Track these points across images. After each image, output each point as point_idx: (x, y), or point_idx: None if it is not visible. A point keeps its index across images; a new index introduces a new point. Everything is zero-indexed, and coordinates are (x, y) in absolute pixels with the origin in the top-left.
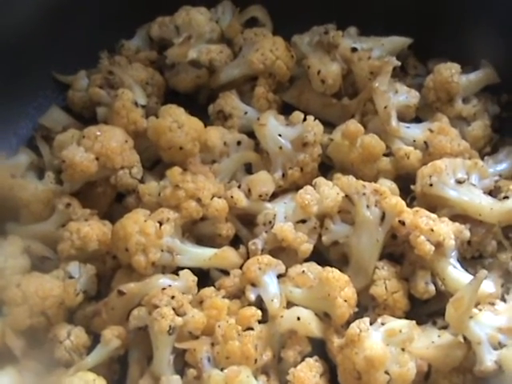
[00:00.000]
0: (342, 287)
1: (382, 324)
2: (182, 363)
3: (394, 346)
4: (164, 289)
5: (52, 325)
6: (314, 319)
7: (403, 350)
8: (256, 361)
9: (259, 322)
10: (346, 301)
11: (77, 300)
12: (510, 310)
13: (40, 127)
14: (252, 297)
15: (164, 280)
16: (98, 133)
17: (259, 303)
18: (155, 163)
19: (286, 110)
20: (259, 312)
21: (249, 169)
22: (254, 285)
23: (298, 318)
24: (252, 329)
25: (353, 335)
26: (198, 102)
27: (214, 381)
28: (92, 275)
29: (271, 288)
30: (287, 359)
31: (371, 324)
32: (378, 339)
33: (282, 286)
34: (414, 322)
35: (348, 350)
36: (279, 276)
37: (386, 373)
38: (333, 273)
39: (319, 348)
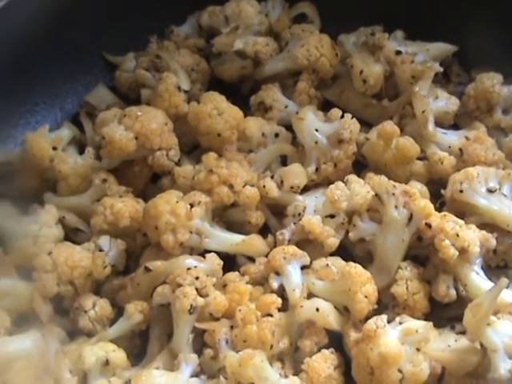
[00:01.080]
0: (363, 283)
1: (400, 323)
2: (200, 343)
3: (409, 346)
4: (189, 269)
5: (78, 294)
6: (333, 312)
7: (418, 350)
8: (272, 347)
9: (279, 310)
10: (366, 297)
11: (104, 272)
12: None
13: (85, 104)
14: (275, 285)
15: (190, 261)
16: (139, 113)
17: (281, 292)
18: (193, 148)
19: (325, 106)
20: (280, 300)
21: (284, 161)
22: (277, 273)
23: (317, 309)
24: (271, 315)
25: (369, 331)
26: (241, 92)
27: (228, 361)
28: (121, 250)
29: (294, 278)
30: (303, 349)
31: (389, 322)
32: (394, 337)
33: (304, 277)
34: (431, 323)
35: (363, 345)
36: (303, 267)
37: (399, 371)
38: (355, 268)
39: (336, 341)
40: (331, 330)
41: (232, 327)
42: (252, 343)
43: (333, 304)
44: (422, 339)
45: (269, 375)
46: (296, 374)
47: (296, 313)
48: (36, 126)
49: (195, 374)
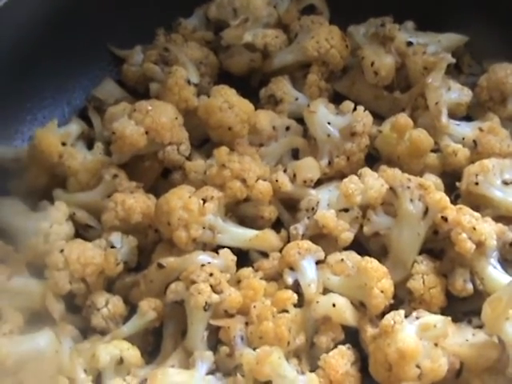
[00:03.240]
0: (379, 278)
1: (417, 318)
2: (215, 340)
3: (426, 341)
4: (203, 265)
5: (91, 292)
6: (349, 307)
7: (436, 345)
8: (289, 343)
9: (295, 306)
10: (382, 292)
11: (117, 269)
12: None
13: (93, 98)
14: (289, 280)
15: (203, 257)
16: (149, 107)
17: (296, 287)
18: (203, 142)
19: (336, 99)
20: (295, 296)
21: (295, 155)
22: (292, 269)
23: (334, 305)
24: (287, 311)
25: (386, 326)
26: (250, 84)
27: (245, 359)
28: (133, 247)
29: (309, 273)
30: (320, 345)
31: (406, 317)
32: (412, 332)
33: (319, 272)
34: (449, 318)
35: (381, 341)
36: (318, 262)
37: (418, 367)
38: (371, 263)
39: (353, 337)
40: (347, 325)
41: (247, 324)
42: (268, 340)
43: (348, 299)
44: (441, 334)
45: (286, 372)
46: (312, 370)
47: (312, 309)
48: (43, 121)
49: (211, 372)
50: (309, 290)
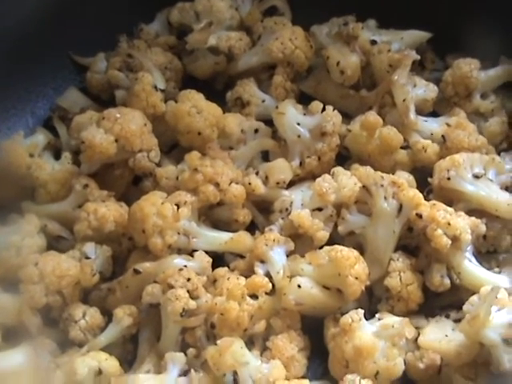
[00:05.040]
0: (351, 265)
1: (379, 319)
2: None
3: (384, 340)
4: (181, 270)
5: (67, 304)
6: (315, 285)
7: (394, 345)
8: (246, 330)
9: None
10: (356, 278)
11: (93, 280)
12: None
13: (57, 108)
14: (260, 272)
15: (179, 260)
16: (118, 115)
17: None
18: (172, 147)
19: (303, 99)
20: (270, 285)
21: (265, 156)
22: (262, 261)
23: (299, 286)
24: (257, 297)
25: (345, 324)
26: (215, 88)
27: (209, 353)
28: (108, 256)
29: (278, 262)
30: (274, 328)
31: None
32: (369, 331)
33: (293, 263)
34: (407, 319)
35: (339, 338)
36: (290, 254)
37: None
38: (341, 252)
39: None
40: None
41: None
42: (228, 319)
43: (325, 286)
44: (397, 334)
45: (249, 359)
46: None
47: (282, 294)
48: (8, 132)
49: (183, 373)
50: (278, 276)
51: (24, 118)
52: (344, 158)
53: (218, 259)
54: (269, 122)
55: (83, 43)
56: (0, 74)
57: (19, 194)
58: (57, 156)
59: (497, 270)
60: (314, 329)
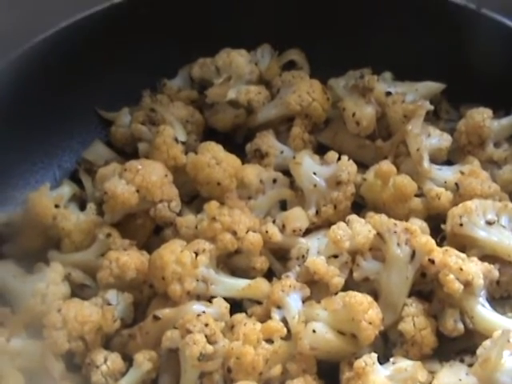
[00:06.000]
0: (365, 310)
1: (393, 363)
2: None
3: None
4: (199, 315)
5: (89, 350)
6: (329, 330)
7: None
8: (261, 374)
9: (281, 338)
10: (370, 323)
11: (114, 326)
12: None
13: (83, 161)
14: (276, 317)
15: (198, 306)
16: (140, 166)
17: (285, 325)
18: (193, 198)
19: (320, 150)
20: (285, 330)
21: (283, 206)
22: (278, 307)
23: (314, 331)
24: (272, 342)
25: (358, 368)
26: (236, 140)
27: None
28: (129, 303)
29: (294, 308)
30: (290, 371)
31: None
32: (383, 375)
33: (308, 309)
34: (419, 362)
35: (353, 382)
36: (306, 300)
37: None
38: (355, 297)
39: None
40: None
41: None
42: (244, 362)
43: (340, 331)
44: (410, 377)
45: None
46: None
47: (297, 339)
48: (36, 185)
49: None
50: (293, 321)
51: (51, 171)
52: (360, 206)
53: (237, 306)
54: (287, 172)
55: (108, 99)
56: (29, 130)
57: (45, 243)
58: (82, 207)
59: (510, 315)
60: (330, 374)
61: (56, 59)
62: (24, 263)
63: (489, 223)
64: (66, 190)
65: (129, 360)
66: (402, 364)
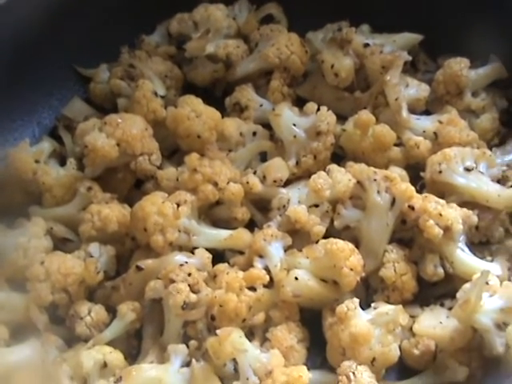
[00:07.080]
0: (346, 257)
1: (375, 308)
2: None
3: (379, 327)
4: (182, 265)
5: (73, 302)
6: (311, 277)
7: (389, 332)
8: (244, 320)
9: (264, 286)
10: (351, 269)
11: (97, 278)
12: (506, 289)
13: (62, 117)
14: (259, 266)
15: (180, 257)
16: (119, 120)
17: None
18: (173, 152)
19: (299, 103)
20: (267, 277)
21: (263, 158)
22: (261, 256)
23: (296, 278)
24: (255, 289)
25: (340, 313)
26: (215, 95)
27: (209, 343)
28: (112, 256)
29: (276, 256)
30: (273, 319)
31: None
32: (364, 318)
33: (290, 258)
34: (400, 306)
35: (336, 327)
36: (288, 249)
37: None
38: (336, 244)
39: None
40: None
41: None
42: (227, 310)
43: (322, 279)
44: (391, 320)
45: (248, 347)
46: (262, 344)
47: (280, 286)
48: (15, 142)
49: (186, 364)
50: (275, 269)
51: (30, 128)
52: (339, 157)
53: (219, 256)
54: (267, 125)
55: (86, 55)
56: (5, 86)
57: (26, 198)
58: (62, 163)
59: (489, 259)
60: (313, 320)
61: (33, 16)
62: (5, 219)
63: (467, 170)
64: (46, 145)
65: (113, 312)
66: (384, 308)
